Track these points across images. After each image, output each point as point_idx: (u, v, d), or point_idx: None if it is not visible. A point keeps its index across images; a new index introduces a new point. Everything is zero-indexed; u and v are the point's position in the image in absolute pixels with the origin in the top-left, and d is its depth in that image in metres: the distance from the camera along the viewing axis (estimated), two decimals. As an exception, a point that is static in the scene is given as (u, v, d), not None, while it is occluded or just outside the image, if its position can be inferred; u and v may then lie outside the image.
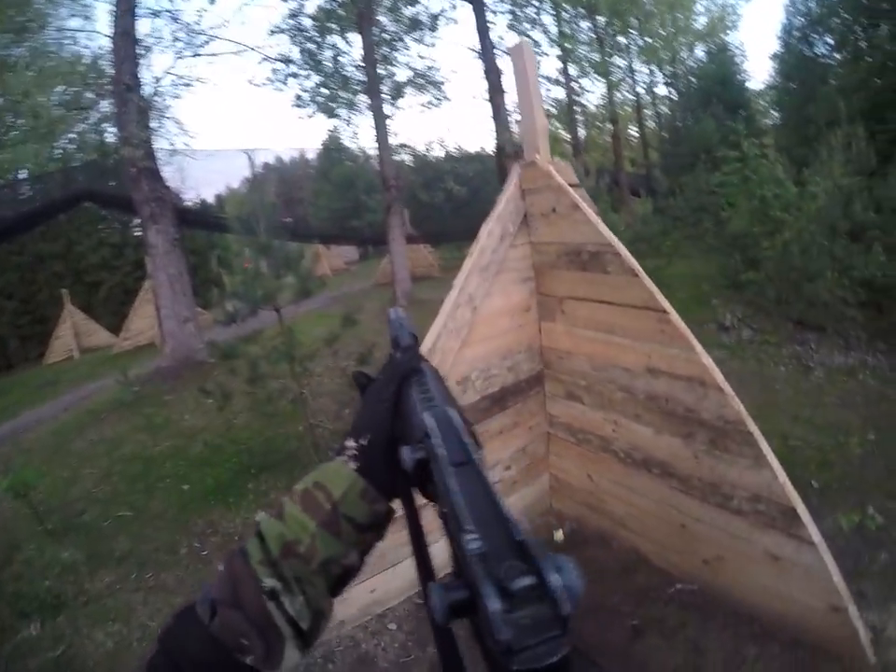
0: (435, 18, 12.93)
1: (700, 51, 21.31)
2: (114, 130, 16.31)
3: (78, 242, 17.84)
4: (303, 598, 0.46)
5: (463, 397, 2.58)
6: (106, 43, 9.41)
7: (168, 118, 11.06)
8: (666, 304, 2.30)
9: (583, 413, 2.81)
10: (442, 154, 25.64)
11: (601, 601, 2.57)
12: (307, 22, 12.06)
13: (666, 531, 2.60)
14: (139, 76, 9.16)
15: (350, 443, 0.53)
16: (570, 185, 2.53)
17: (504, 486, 2.94)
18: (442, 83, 13.49)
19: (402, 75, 13.13)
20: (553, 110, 17.73)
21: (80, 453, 6.40)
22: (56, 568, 3.89)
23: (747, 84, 20.26)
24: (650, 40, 17.75)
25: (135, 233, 18.35)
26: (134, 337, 13.54)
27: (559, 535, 3.05)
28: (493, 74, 11.93)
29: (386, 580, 2.54)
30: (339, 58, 12.42)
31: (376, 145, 11.63)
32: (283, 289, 3.82)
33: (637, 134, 23.36)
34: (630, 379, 2.53)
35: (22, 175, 16.50)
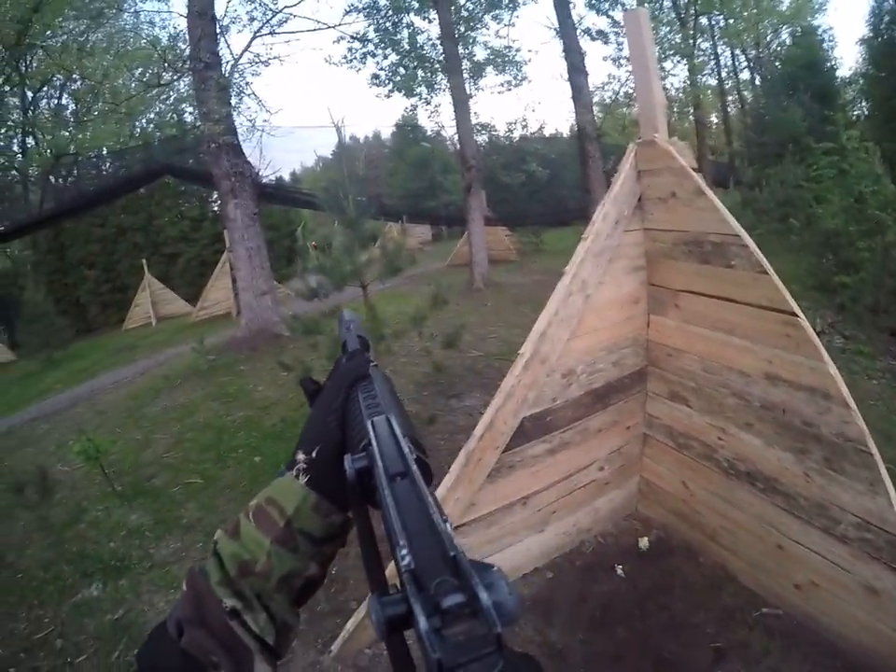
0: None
1: (786, 35, 20.04)
2: (191, 109, 17.03)
3: (158, 215, 18.61)
4: (266, 614, 0.47)
5: (567, 391, 2.47)
6: (183, 23, 9.57)
7: (248, 95, 11.20)
8: (796, 307, 2.10)
9: (688, 416, 2.63)
10: (522, 135, 25.16)
11: (685, 618, 2.46)
12: (383, 0, 12.00)
13: (760, 550, 2.44)
14: (218, 54, 9.31)
15: (300, 456, 0.52)
16: (692, 168, 2.34)
17: (596, 487, 2.84)
18: (522, 63, 13.17)
19: (481, 54, 12.90)
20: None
21: (154, 417, 6.56)
22: (122, 531, 3.96)
23: (835, 71, 18.91)
24: (732, 21, 16.73)
25: (213, 208, 19.10)
26: (211, 307, 13.93)
27: (644, 542, 2.91)
28: (573, 53, 11.50)
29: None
30: (416, 36, 12.32)
31: (454, 124, 11.44)
32: (371, 265, 3.76)
33: (719, 121, 22.27)
34: (745, 384, 2.34)
35: (104, 152, 17.35)
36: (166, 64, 11.25)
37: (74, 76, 15.87)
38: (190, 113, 19.62)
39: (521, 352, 2.16)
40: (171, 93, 18.45)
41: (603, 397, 2.64)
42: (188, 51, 9.68)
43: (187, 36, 9.64)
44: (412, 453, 0.40)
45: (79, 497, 4.59)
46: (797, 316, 2.09)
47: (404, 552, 0.30)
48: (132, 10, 15.23)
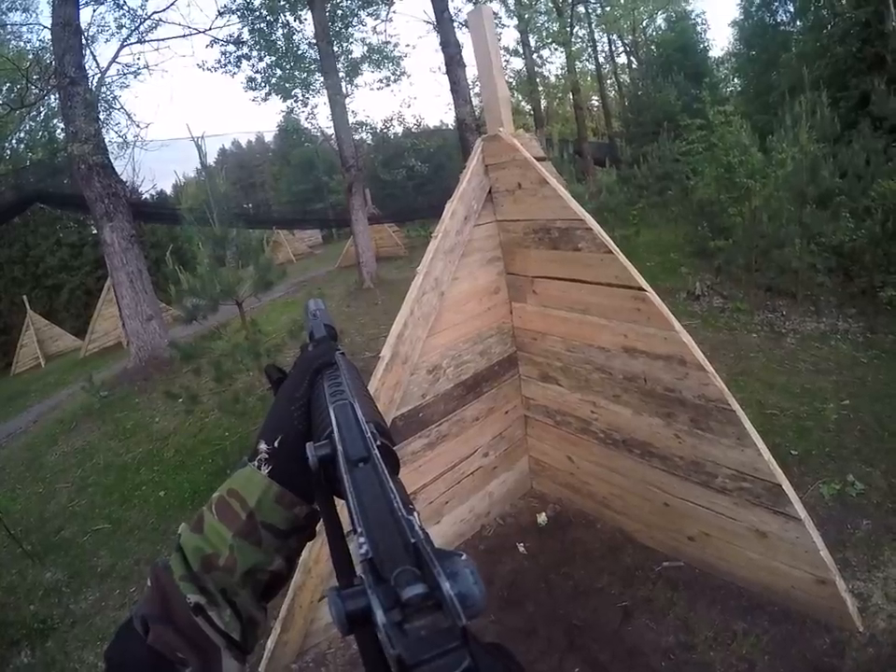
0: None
1: (661, 20, 21.27)
2: (63, 126, 15.72)
3: (35, 245, 17.09)
4: (231, 610, 0.45)
5: (435, 386, 2.49)
6: (48, 35, 8.88)
7: (117, 109, 10.53)
8: (643, 281, 2.21)
9: (561, 394, 2.74)
10: (402, 131, 25.20)
11: (589, 584, 2.57)
12: (257, 1, 11.61)
13: (650, 510, 2.58)
14: (84, 67, 8.74)
15: (262, 446, 0.50)
16: (536, 158, 2.41)
17: (484, 473, 2.89)
18: (400, 58, 13.16)
19: (358, 51, 12.77)
20: (514, 82, 17.44)
21: (53, 466, 6.24)
22: (40, 591, 3.80)
23: (708, 52, 20.33)
24: (609, 9, 17.53)
25: (93, 231, 17.76)
26: (100, 339, 13.10)
27: (542, 518, 3.01)
28: (450, 46, 11.60)
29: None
30: (291, 36, 12.01)
31: (333, 124, 11.31)
32: (242, 282, 3.64)
33: (598, 104, 23.30)
34: (607, 359, 2.46)
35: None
36: (28, 82, 10.33)
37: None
38: (62, 130, 18.25)
39: (381, 355, 2.15)
40: (41, 110, 17.10)
41: (474, 387, 2.69)
42: (53, 65, 8.99)
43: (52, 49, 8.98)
44: (376, 439, 0.38)
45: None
46: (645, 291, 2.20)
47: (362, 539, 0.28)
48: None
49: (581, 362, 2.56)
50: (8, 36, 13.80)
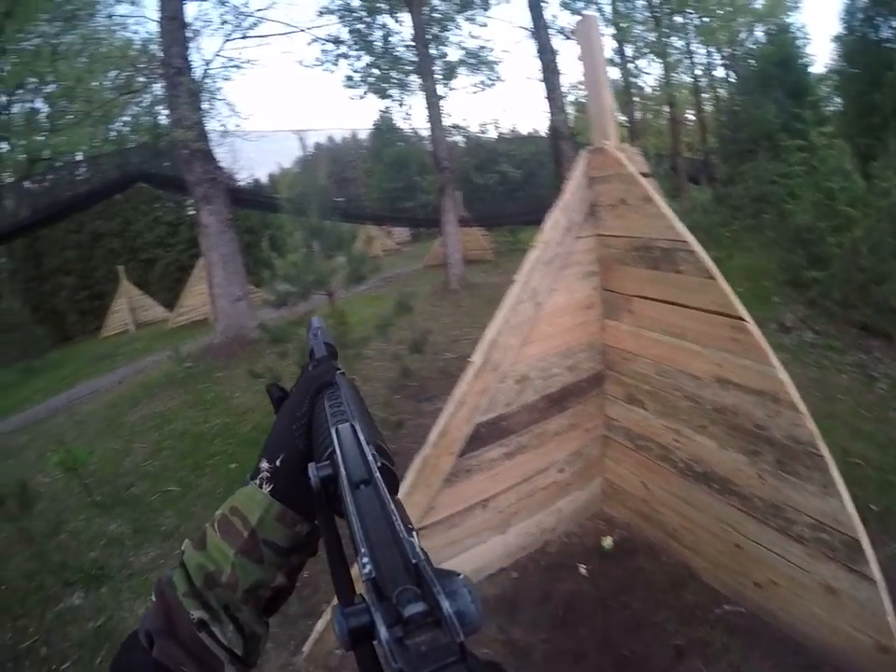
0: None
1: (760, 32, 20.27)
2: (167, 112, 16.79)
3: (134, 220, 18.29)
4: (234, 626, 0.46)
5: (521, 396, 2.50)
6: (155, 27, 9.52)
7: (219, 99, 11.18)
8: (743, 311, 2.12)
9: (645, 418, 2.67)
10: (496, 135, 25.19)
11: (646, 616, 2.50)
12: (356, 2, 11.96)
13: (720, 549, 2.48)
14: (189, 58, 9.27)
15: (264, 465, 0.51)
16: (642, 174, 2.37)
17: (557, 488, 2.87)
18: (495, 63, 13.21)
19: (454, 55, 12.91)
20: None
21: (132, 426, 6.56)
22: (102, 540, 3.96)
23: (809, 68, 19.19)
24: (707, 20, 16.89)
25: (189, 212, 18.86)
26: (188, 313, 13.88)
27: (608, 542, 2.95)
28: (546, 53, 11.56)
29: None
30: (389, 38, 12.30)
31: (429, 125, 11.43)
32: (335, 273, 3.77)
33: (694, 118, 22.46)
34: (697, 388, 2.38)
35: (79, 157, 17.14)
36: (136, 69, 11.14)
37: (47, 79, 15.66)
38: (167, 116, 19.49)
39: (471, 359, 2.18)
40: (145, 97, 18.37)
41: (559, 401, 2.67)
42: (161, 55, 9.62)
43: (160, 41, 9.57)
44: (376, 460, 0.39)
45: (59, 508, 4.58)
46: (745, 321, 2.12)
47: (365, 559, 0.29)
48: (104, 13, 15.11)
49: (671, 388, 2.49)
50: (115, 27, 14.89)
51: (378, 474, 0.37)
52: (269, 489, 0.50)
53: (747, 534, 2.33)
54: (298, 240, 4.00)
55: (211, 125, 10.48)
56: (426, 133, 12.00)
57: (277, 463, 0.50)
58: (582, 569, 2.79)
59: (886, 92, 12.77)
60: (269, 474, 0.50)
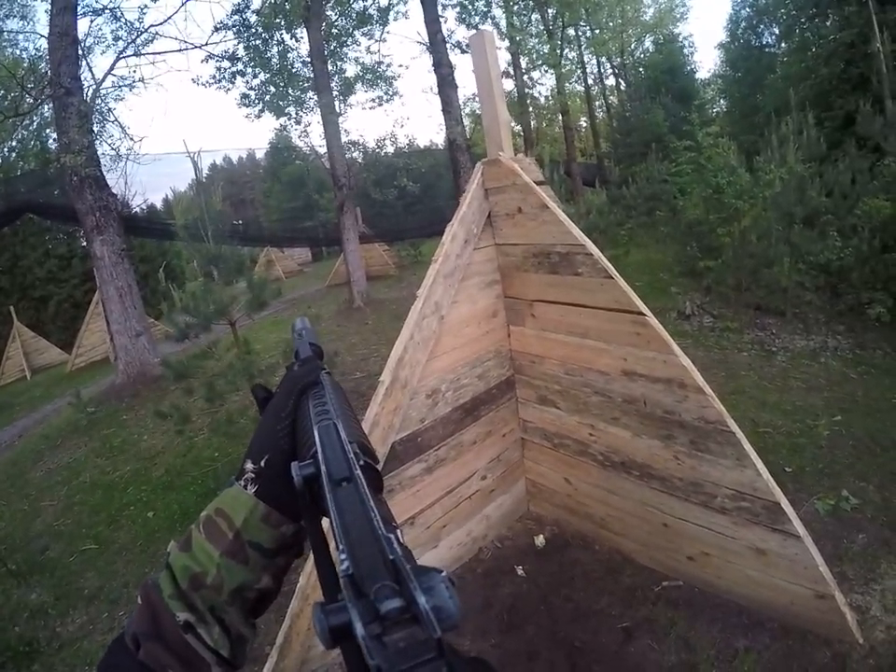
0: (385, 11, 12.69)
1: (649, 42, 21.73)
2: (55, 136, 15.62)
3: (24, 255, 16.99)
4: (220, 627, 0.46)
5: (434, 410, 2.48)
6: (45, 44, 8.85)
7: (111, 121, 10.47)
8: (642, 306, 2.23)
9: (558, 417, 2.73)
10: (393, 150, 25.35)
11: (589, 605, 2.56)
12: (253, 18, 11.67)
13: (649, 531, 2.58)
14: (80, 78, 8.70)
15: (248, 466, 0.51)
16: (536, 182, 2.43)
17: (482, 496, 2.87)
18: (393, 78, 13.25)
19: (351, 70, 12.90)
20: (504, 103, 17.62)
21: (39, 482, 6.16)
22: (25, 612, 3.69)
23: (695, 74, 20.76)
24: (598, 32, 17.88)
25: (82, 244, 17.67)
26: (87, 353, 13.00)
27: (540, 539, 2.99)
28: (443, 67, 11.76)
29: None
30: (287, 54, 12.07)
31: (325, 142, 11.35)
32: (236, 301, 3.62)
33: (586, 125, 23.61)
34: (606, 383, 2.47)
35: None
36: (24, 90, 10.26)
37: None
38: (55, 140, 18.18)
39: (381, 379, 2.13)
40: (34, 119, 17.00)
41: (472, 410, 2.68)
42: (49, 74, 8.95)
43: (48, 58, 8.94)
44: (359, 458, 0.39)
45: None
46: (644, 315, 2.22)
47: (343, 556, 0.29)
48: None
49: (580, 385, 2.56)
50: (4, 44, 13.78)
51: (359, 472, 0.37)
52: (254, 490, 0.49)
53: (672, 513, 2.44)
54: (195, 268, 3.81)
55: (102, 149, 9.75)
56: (323, 150, 11.85)
57: (262, 464, 0.50)
58: (520, 570, 2.81)
59: (767, 93, 14.01)
60: (253, 475, 0.50)
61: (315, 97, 11.73)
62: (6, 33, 13.01)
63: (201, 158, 3.90)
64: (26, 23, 13.43)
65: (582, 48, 19.54)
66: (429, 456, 2.52)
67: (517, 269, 2.60)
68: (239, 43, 11.88)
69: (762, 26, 18.08)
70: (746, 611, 2.33)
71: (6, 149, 17.53)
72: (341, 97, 12.33)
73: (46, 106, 13.28)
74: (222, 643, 0.46)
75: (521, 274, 2.59)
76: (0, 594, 3.96)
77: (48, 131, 16.65)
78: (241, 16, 11.64)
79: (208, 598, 0.46)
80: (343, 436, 0.42)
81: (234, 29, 11.73)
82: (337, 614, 0.27)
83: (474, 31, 14.18)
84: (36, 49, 12.56)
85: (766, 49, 17.77)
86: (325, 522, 0.42)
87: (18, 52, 13.42)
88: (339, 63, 12.46)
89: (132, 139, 12.17)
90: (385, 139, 24.62)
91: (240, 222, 20.59)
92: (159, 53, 11.02)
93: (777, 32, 17.52)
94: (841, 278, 6.33)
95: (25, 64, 13.34)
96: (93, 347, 12.98)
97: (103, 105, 10.17)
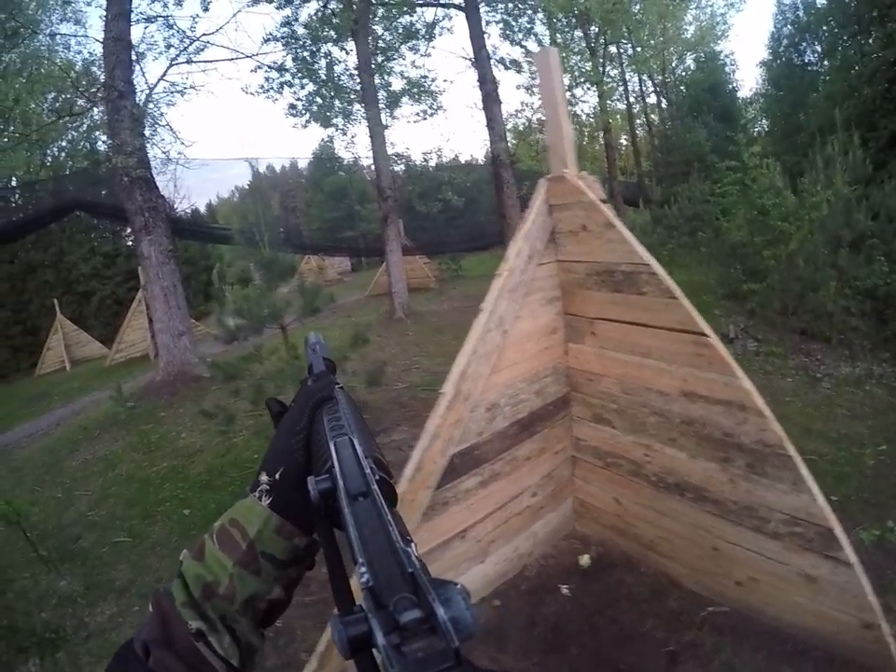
0: (431, 27, 12.89)
1: (690, 60, 21.59)
2: (105, 138, 16.18)
3: (70, 251, 17.57)
4: (230, 637, 0.47)
5: (492, 424, 2.49)
6: (99, 49, 9.22)
7: (162, 125, 10.78)
8: (706, 327, 2.22)
9: (613, 436, 2.72)
10: (436, 164, 25.69)
11: (634, 628, 2.53)
12: (301, 31, 11.97)
13: (698, 554, 2.54)
14: (133, 82, 8.96)
15: (263, 478, 0.52)
16: (601, 200, 2.44)
17: (531, 513, 2.86)
18: (438, 93, 13.40)
19: (397, 84, 13.07)
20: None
21: (74, 472, 6.21)
22: (53, 599, 3.69)
23: (737, 92, 20.52)
24: (640, 49, 17.87)
25: (128, 243, 18.25)
26: (127, 349, 13.31)
27: (585, 559, 2.96)
28: (487, 83, 11.88)
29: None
30: (334, 66, 12.33)
31: (371, 154, 11.50)
32: (289, 306, 3.69)
33: (627, 143, 23.50)
34: (665, 403, 2.45)
35: (12, 183, 16.32)
36: (77, 91, 10.67)
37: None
38: (104, 142, 18.88)
39: (442, 391, 2.15)
40: (84, 121, 17.66)
41: (528, 425, 2.68)
42: (102, 78, 9.28)
43: (102, 63, 9.28)
44: (374, 473, 0.40)
45: (2, 565, 4.27)
46: (707, 336, 2.22)
47: (363, 569, 0.30)
48: (47, 32, 14.47)
49: (638, 405, 2.54)
50: (58, 47, 14.37)
51: (376, 486, 0.38)
52: (268, 502, 0.50)
53: (723, 536, 2.40)
54: (245, 272, 3.91)
55: (153, 152, 10.04)
56: (367, 161, 12.02)
57: (277, 476, 0.51)
58: (564, 590, 2.79)
59: (810, 113, 13.78)
60: (268, 487, 0.51)
61: (362, 109, 11.91)
62: (58, 36, 13.53)
63: (257, 163, 4.00)
64: (80, 28, 13.99)
65: (624, 65, 19.55)
66: (485, 470, 2.53)
67: (579, 286, 2.60)
68: (287, 54, 12.19)
69: (804, 44, 17.84)
70: (791, 639, 2.28)
71: (55, 149, 18.29)
72: (387, 110, 12.53)
73: (96, 109, 13.81)
74: (232, 652, 0.46)
75: (582, 292, 2.60)
76: (29, 578, 4.01)
77: (97, 133, 17.34)
78: (290, 27, 11.94)
79: (220, 607, 0.47)
80: (360, 451, 0.42)
81: (283, 40, 12.04)
82: (356, 625, 0.28)
83: (519, 48, 14.34)
84: (90, 53, 13.06)
85: (808, 68, 17.52)
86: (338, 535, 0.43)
87: (71, 56, 13.95)
88: (385, 77, 12.66)
89: (183, 143, 12.58)
90: (431, 152, 24.94)
91: (281, 230, 21.07)
92: (211, 61, 11.38)
93: (819, 50, 17.29)
94: (887, 304, 6.15)
95: (78, 67, 13.92)
96: (133, 344, 13.33)
97: (155, 109, 10.47)
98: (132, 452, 6.42)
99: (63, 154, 18.67)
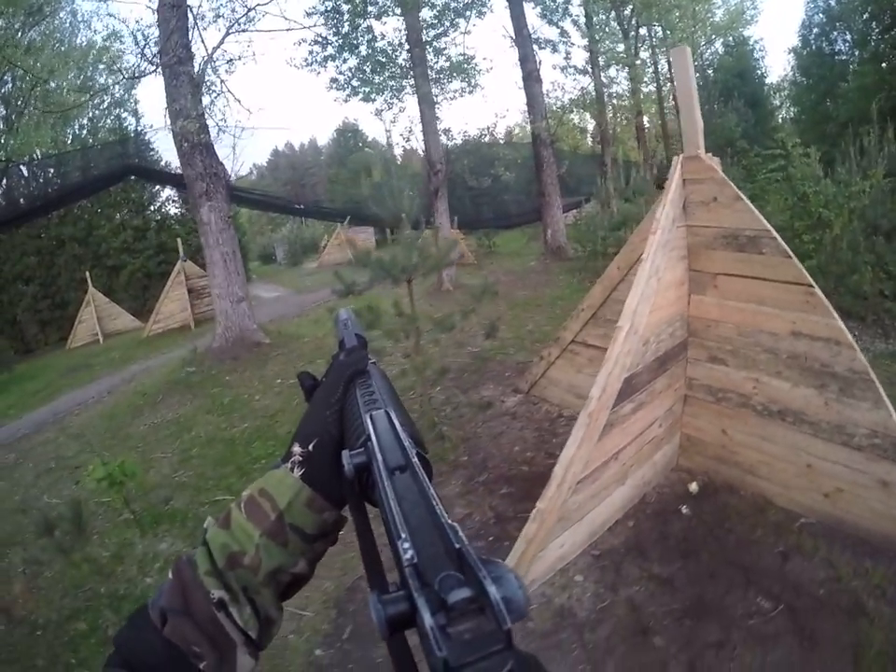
0: (469, 5, 12.95)
1: (719, 45, 21.60)
2: (125, 115, 16.23)
3: (98, 225, 17.47)
4: (251, 608, 0.47)
5: (645, 357, 2.98)
6: (152, 17, 9.14)
7: (223, 93, 10.82)
8: (811, 281, 2.78)
9: (726, 374, 3.21)
10: (481, 141, 25.52)
11: (748, 536, 3.04)
12: (345, 5, 11.97)
13: (794, 472, 3.04)
14: (191, 48, 8.80)
15: (296, 449, 0.51)
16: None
17: (656, 442, 3.34)
18: (476, 71, 13.53)
19: (443, 60, 13.06)
20: (586, 100, 17.37)
21: (143, 436, 6.19)
22: (156, 563, 3.67)
23: (766, 79, 20.53)
24: (669, 33, 17.89)
25: (156, 218, 18.50)
26: (165, 320, 13.26)
27: (694, 486, 3.43)
28: (528, 62, 12.05)
29: (569, 535, 2.89)
30: (375, 42, 12.35)
31: (420, 129, 11.58)
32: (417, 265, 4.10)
33: (649, 125, 23.50)
34: (775, 342, 2.97)
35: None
36: (143, 56, 10.66)
37: (5, 77, 15.02)
38: (130, 114, 19.05)
39: (619, 325, 2.65)
40: (104, 98, 17.75)
41: (665, 362, 3.17)
42: (128, 56, 9.23)
43: (146, 32, 9.30)
44: (411, 448, 0.39)
45: (94, 531, 4.19)
46: (814, 287, 2.79)
47: (406, 545, 0.29)
48: (68, 10, 14.58)
49: (751, 345, 3.05)
50: (81, 24, 14.37)
51: (416, 459, 0.37)
52: (300, 473, 0.50)
53: (816, 453, 2.92)
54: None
55: (214, 119, 9.75)
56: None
57: (310, 448, 0.51)
58: (684, 509, 3.28)
59: (840, 103, 14.00)
60: (301, 458, 0.50)
61: (409, 84, 11.95)
62: (80, 14, 13.45)
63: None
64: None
65: (655, 47, 19.52)
66: (636, 398, 3.01)
67: (705, 247, 3.10)
68: (329, 29, 12.16)
69: (835, 33, 17.84)
70: (869, 542, 2.80)
71: (76, 126, 18.38)
72: (438, 85, 12.54)
73: (117, 87, 13.84)
74: (252, 624, 0.46)
75: (708, 252, 3.10)
76: (127, 542, 3.95)
77: (119, 110, 17.39)
78: (333, 1, 11.91)
79: (243, 578, 0.47)
80: (397, 424, 0.42)
81: (326, 14, 11.94)
82: (395, 604, 0.27)
83: (555, 27, 14.43)
84: (137, 21, 13.20)
85: (838, 57, 17.54)
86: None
87: (91, 35, 14.00)
88: (433, 53, 12.64)
89: (248, 111, 12.64)
90: (486, 129, 24.66)
91: (301, 206, 21.09)
92: (268, 31, 11.21)
93: (850, 40, 17.33)
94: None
95: (125, 36, 14.05)
96: (171, 315, 13.21)
97: (214, 76, 10.48)
98: (205, 414, 6.44)
99: (85, 132, 18.73)
